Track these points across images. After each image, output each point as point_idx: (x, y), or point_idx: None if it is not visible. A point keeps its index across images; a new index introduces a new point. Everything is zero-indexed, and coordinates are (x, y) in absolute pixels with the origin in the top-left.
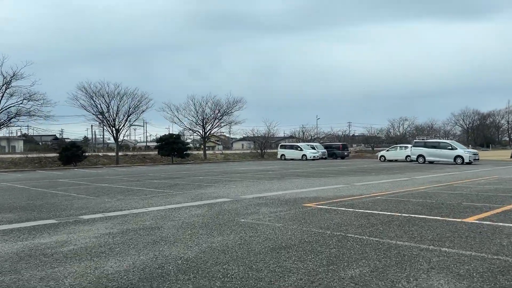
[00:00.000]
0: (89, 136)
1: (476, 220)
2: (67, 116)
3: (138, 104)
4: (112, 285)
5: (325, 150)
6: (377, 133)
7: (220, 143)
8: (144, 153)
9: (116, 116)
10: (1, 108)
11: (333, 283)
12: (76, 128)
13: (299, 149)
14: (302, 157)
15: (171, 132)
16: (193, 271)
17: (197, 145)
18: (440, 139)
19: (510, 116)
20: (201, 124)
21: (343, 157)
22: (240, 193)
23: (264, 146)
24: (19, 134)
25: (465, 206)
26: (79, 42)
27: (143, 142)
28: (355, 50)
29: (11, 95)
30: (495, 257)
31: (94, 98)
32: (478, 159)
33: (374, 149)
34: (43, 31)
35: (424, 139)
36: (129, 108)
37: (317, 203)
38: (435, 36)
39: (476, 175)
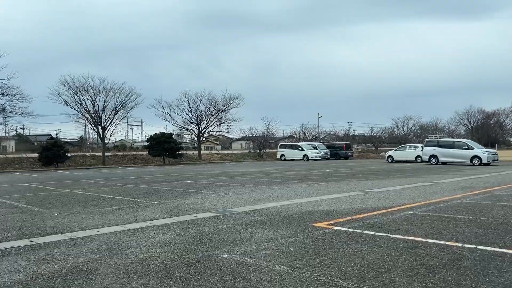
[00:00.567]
0: (87, 135)
1: None
2: (66, 115)
3: (125, 100)
4: None
5: (327, 150)
6: (381, 133)
7: (218, 143)
8: (136, 153)
9: (102, 113)
10: None
11: None
12: (76, 128)
13: (300, 149)
14: (303, 157)
15: (169, 132)
16: None
17: (196, 145)
18: (453, 138)
19: None
20: (196, 122)
21: (346, 158)
22: (231, 204)
23: (263, 145)
24: (13, 133)
25: None
26: (77, 41)
27: (141, 142)
28: (355, 49)
29: None
30: None
31: (78, 94)
32: (497, 160)
33: (378, 149)
34: (42, 29)
35: (437, 138)
36: (116, 105)
37: (331, 221)
38: (434, 35)
39: (509, 178)
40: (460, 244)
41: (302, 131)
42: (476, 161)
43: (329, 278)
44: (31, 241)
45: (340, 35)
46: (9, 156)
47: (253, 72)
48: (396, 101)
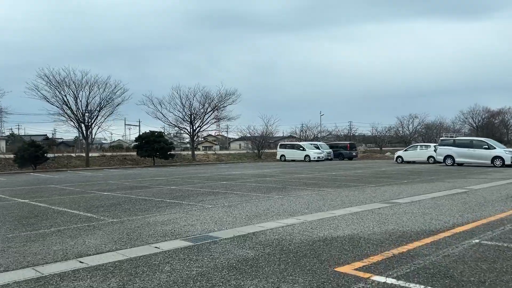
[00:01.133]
0: (80, 135)
1: None
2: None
3: (111, 95)
4: None
5: (330, 150)
6: (386, 132)
7: (217, 143)
8: (127, 153)
9: (86, 109)
10: None
11: None
12: (74, 127)
13: (301, 148)
14: (304, 158)
15: (167, 132)
16: None
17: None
18: (471, 136)
19: None
20: (189, 120)
21: (351, 158)
22: (214, 224)
23: (261, 145)
24: (7, 134)
25: None
26: (77, 41)
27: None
28: (355, 49)
29: None
30: None
31: (58, 89)
32: None
33: (382, 149)
34: (42, 29)
35: (452, 136)
36: (101, 100)
37: (363, 262)
38: (435, 35)
39: None
40: None
41: (303, 130)
42: (498, 162)
43: None
44: None
45: (340, 35)
46: None
47: (253, 72)
48: (396, 101)
